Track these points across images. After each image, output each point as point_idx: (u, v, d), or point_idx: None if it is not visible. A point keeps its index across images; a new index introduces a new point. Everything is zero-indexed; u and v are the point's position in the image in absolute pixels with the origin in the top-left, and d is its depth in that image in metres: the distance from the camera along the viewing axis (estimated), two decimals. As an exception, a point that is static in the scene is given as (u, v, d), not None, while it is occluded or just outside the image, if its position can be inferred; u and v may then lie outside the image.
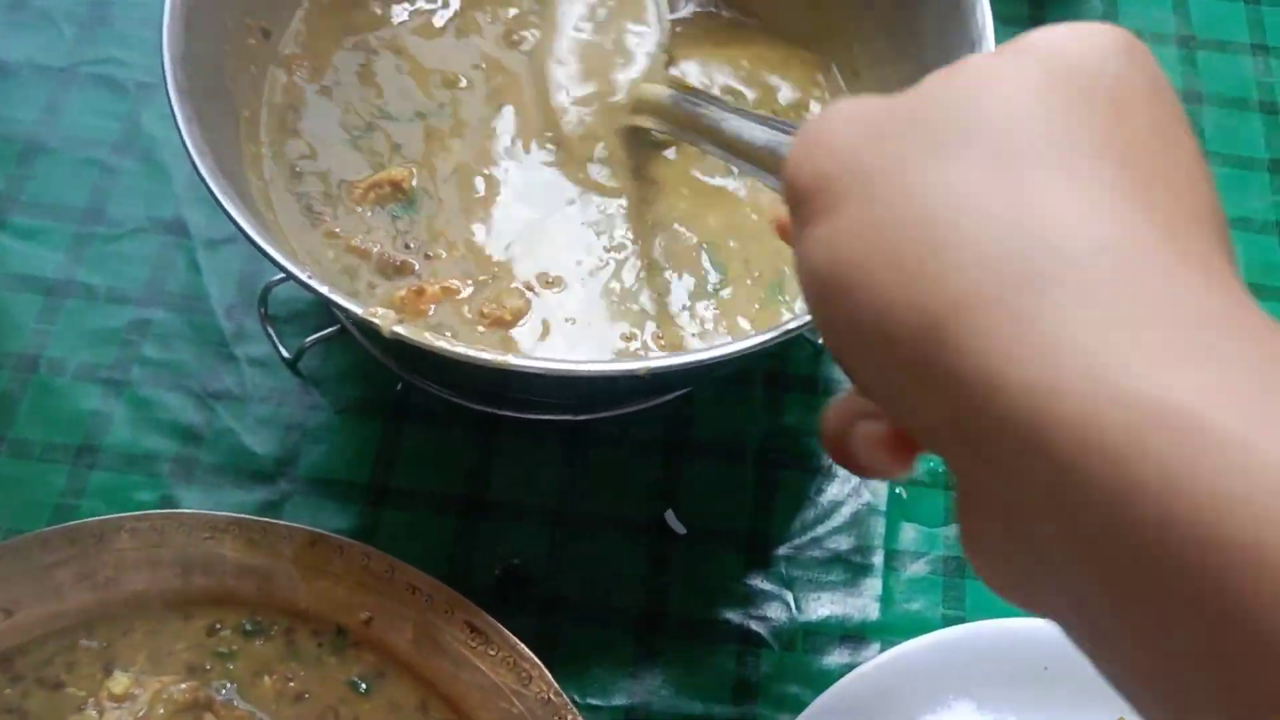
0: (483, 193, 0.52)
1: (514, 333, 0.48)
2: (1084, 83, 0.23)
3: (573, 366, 0.41)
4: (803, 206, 0.26)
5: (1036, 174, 0.22)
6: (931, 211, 0.22)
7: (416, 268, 0.50)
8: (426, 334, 0.41)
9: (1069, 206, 0.22)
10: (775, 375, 0.56)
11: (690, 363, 0.41)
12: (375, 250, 0.50)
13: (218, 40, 0.49)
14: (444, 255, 0.50)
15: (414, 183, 0.52)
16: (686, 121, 0.46)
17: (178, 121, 0.44)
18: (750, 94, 0.57)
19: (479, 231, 0.51)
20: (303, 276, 0.41)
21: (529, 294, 0.49)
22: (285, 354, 0.55)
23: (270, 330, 0.55)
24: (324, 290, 0.41)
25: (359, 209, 0.51)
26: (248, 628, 0.48)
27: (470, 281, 0.49)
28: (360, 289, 0.49)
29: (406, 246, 0.50)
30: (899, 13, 0.53)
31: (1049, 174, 0.22)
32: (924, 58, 0.51)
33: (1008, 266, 0.21)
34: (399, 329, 0.41)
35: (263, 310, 0.55)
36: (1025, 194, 0.22)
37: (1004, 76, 0.24)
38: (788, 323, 0.41)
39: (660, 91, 0.50)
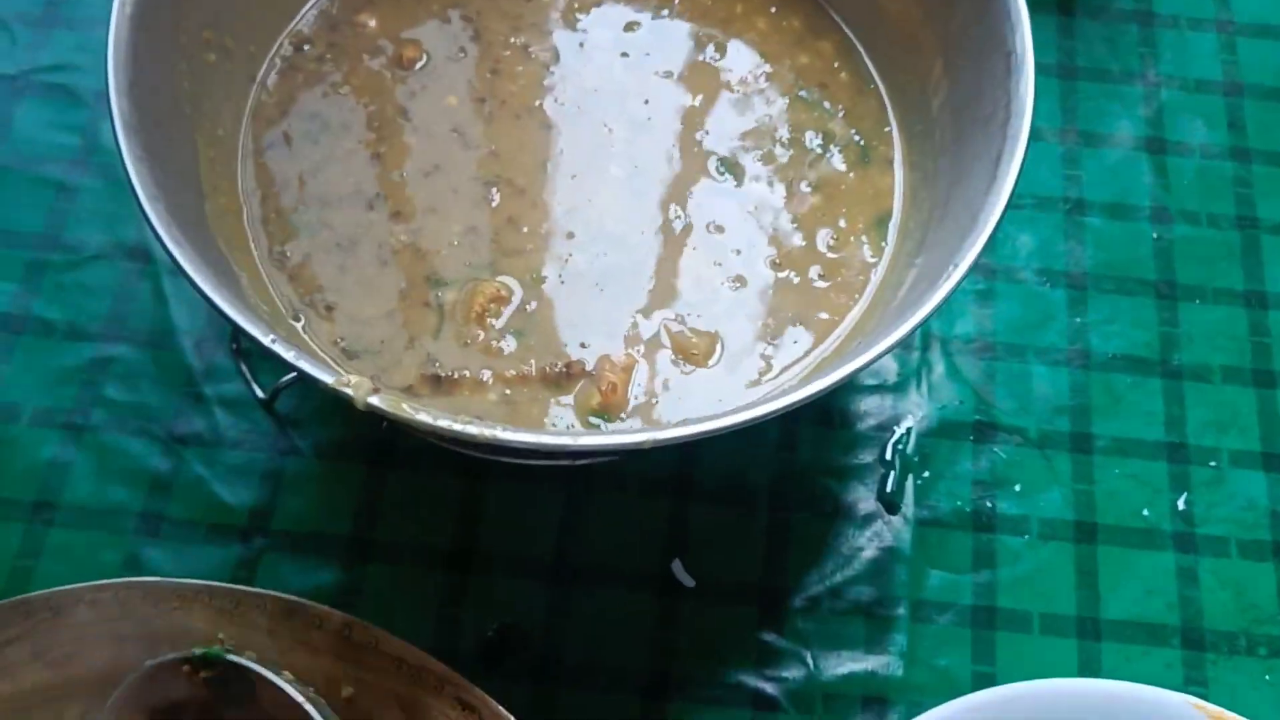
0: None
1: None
2: None
3: (569, 442, 0.37)
4: None
5: None
6: None
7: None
8: (405, 405, 0.37)
9: None
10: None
11: (693, 434, 0.37)
12: None
13: (170, 60, 0.44)
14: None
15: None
16: None
17: (124, 160, 0.39)
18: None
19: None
20: (265, 342, 0.37)
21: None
22: (260, 394, 0.51)
23: (244, 367, 0.51)
24: (290, 358, 0.36)
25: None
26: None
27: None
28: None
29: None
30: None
31: None
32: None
33: None
34: (374, 400, 0.37)
35: (235, 345, 0.51)
36: None
37: None
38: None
39: None
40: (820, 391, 0.37)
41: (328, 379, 0.37)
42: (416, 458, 0.51)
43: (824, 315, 0.47)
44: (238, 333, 0.49)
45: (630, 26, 0.53)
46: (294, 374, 0.49)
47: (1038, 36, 0.62)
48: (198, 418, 0.51)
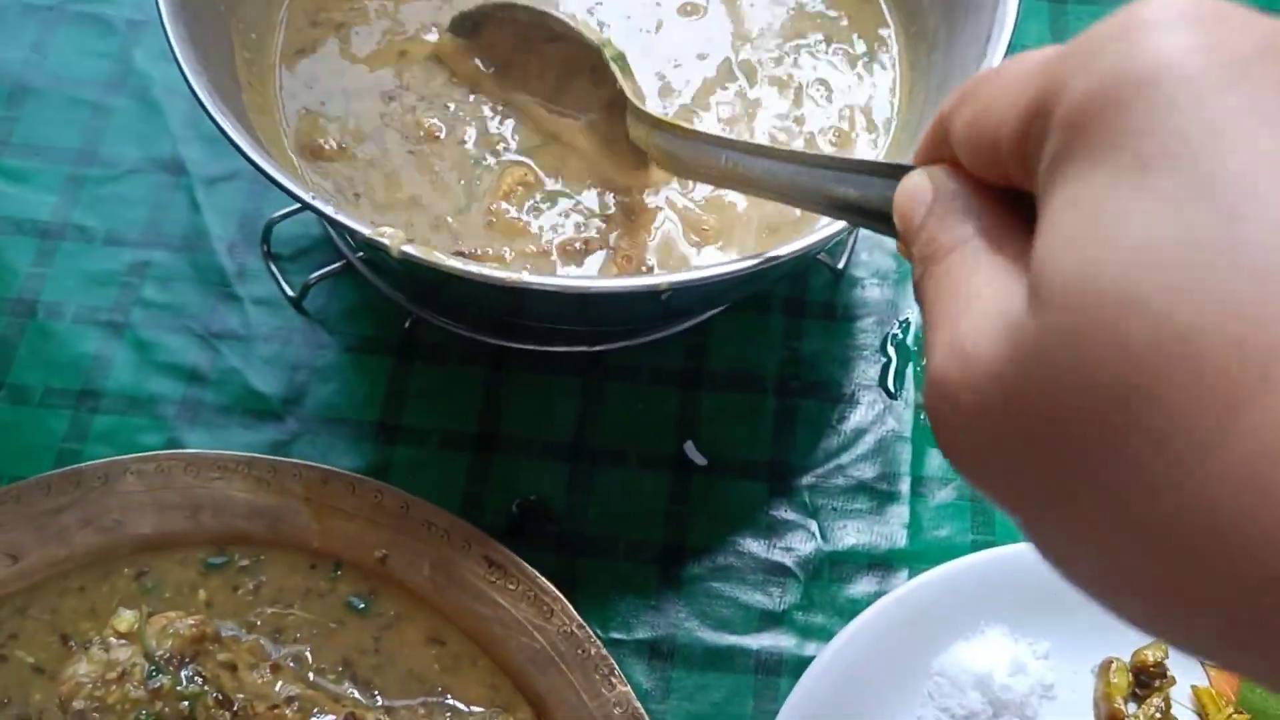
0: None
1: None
2: None
3: (589, 284, 0.39)
4: (1078, 139, 0.18)
5: None
6: None
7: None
8: (436, 253, 0.39)
9: None
10: (793, 302, 0.55)
11: (711, 277, 0.39)
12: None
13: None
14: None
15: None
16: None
17: (169, 39, 0.42)
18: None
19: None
20: (307, 198, 0.39)
21: None
22: (290, 292, 0.53)
23: (274, 268, 0.54)
24: (329, 211, 0.39)
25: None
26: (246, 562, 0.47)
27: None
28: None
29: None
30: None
31: None
32: None
33: None
34: (408, 249, 0.39)
35: (265, 248, 0.54)
36: None
37: None
38: (820, 231, 0.40)
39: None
40: (811, 247, 0.40)
41: (365, 230, 0.39)
42: (440, 351, 0.53)
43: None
44: (270, 228, 0.53)
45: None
46: (322, 271, 0.52)
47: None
48: (232, 315, 0.53)
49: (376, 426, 0.52)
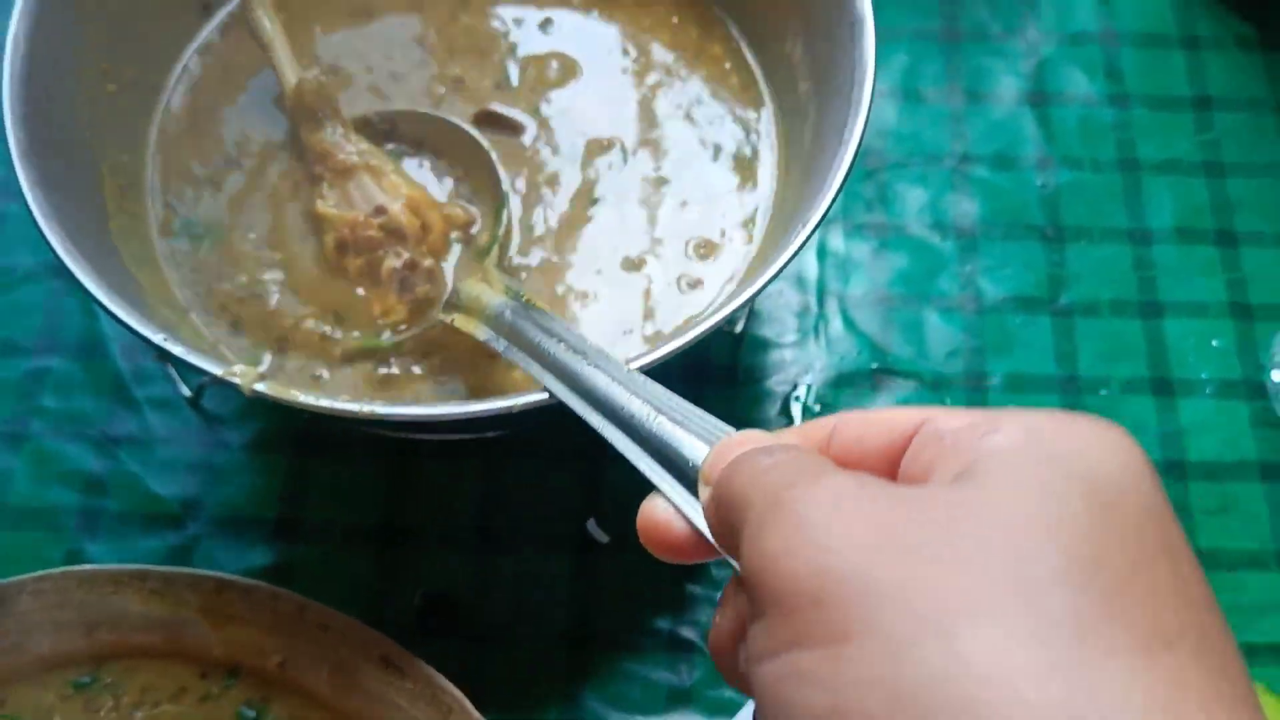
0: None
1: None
2: (1123, 520, 0.21)
3: (438, 411, 0.39)
4: (779, 608, 0.22)
5: (1093, 653, 0.19)
6: (974, 691, 0.19)
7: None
8: (292, 390, 0.39)
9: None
10: (693, 368, 0.55)
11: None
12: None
13: (68, 90, 0.47)
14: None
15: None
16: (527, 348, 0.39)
17: (22, 187, 0.42)
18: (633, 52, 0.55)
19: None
20: (156, 340, 0.39)
21: None
22: (186, 392, 0.53)
23: (170, 369, 0.54)
24: (179, 353, 0.39)
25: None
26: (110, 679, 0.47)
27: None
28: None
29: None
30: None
31: (1115, 660, 0.20)
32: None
33: None
34: (260, 387, 0.39)
35: (159, 349, 0.54)
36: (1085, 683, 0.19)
37: (1042, 500, 0.21)
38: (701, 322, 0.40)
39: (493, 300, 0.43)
40: (671, 351, 0.39)
41: (215, 369, 0.39)
42: (339, 445, 0.53)
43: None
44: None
45: (545, 25, 0.55)
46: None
47: (922, 4, 0.65)
48: (130, 419, 0.53)
49: (278, 525, 0.51)
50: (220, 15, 0.54)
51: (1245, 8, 0.65)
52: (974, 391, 0.55)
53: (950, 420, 0.25)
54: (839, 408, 0.54)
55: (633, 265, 0.50)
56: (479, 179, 0.50)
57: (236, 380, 0.39)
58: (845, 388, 0.55)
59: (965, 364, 0.55)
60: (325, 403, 0.38)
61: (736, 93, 0.54)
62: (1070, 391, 0.55)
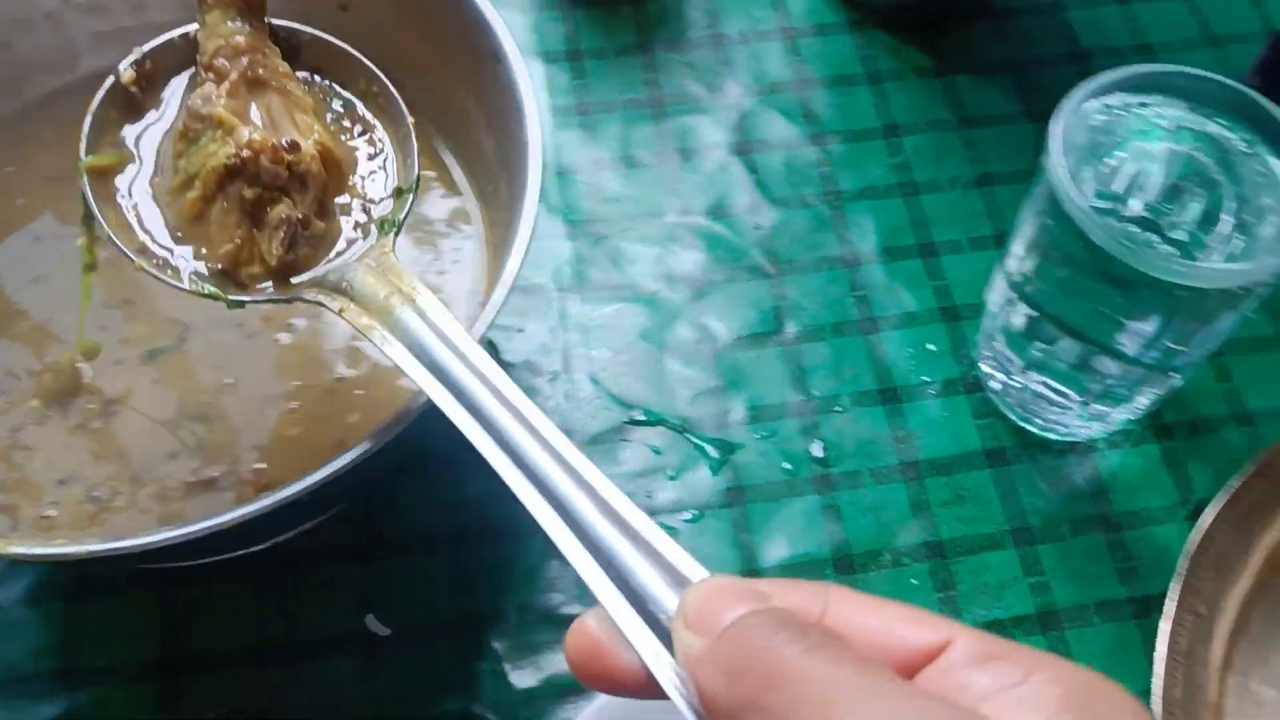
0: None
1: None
2: None
3: (152, 539, 0.39)
4: None
5: None
6: None
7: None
8: (39, 548, 0.40)
9: None
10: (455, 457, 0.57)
11: (284, 499, 0.40)
12: None
13: None
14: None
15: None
16: None
17: None
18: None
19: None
20: None
21: None
22: (-57, 561, 0.53)
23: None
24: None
25: None
26: None
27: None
28: None
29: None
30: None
31: None
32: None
33: None
34: (15, 550, 0.39)
35: (-88, 521, 0.53)
36: None
37: None
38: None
39: None
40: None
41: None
42: (109, 583, 0.53)
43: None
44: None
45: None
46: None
47: (624, 77, 0.69)
48: (-112, 599, 0.53)
49: (55, 675, 0.51)
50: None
51: (919, 43, 0.71)
52: (720, 429, 0.58)
53: (974, 659, 0.24)
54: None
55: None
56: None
57: None
58: (598, 445, 0.58)
59: (709, 404, 0.59)
60: (24, 551, 0.39)
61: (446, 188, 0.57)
62: (806, 413, 0.59)
